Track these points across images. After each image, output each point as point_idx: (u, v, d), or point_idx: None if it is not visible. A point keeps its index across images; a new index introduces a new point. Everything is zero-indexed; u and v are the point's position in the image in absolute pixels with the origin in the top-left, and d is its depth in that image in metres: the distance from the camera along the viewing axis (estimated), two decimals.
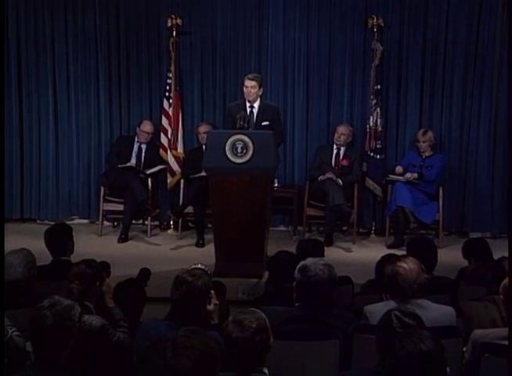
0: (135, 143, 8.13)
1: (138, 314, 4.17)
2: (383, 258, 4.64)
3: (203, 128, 7.89)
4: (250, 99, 6.73)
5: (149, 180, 8.00)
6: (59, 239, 5.08)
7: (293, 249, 5.09)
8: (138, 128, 8.11)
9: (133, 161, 8.04)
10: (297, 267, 3.82)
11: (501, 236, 7.90)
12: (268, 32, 8.22)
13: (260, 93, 6.79)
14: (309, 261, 3.82)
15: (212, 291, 3.48)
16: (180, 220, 7.84)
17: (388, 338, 2.93)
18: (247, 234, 6.28)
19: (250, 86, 6.71)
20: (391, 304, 3.59)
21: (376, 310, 3.56)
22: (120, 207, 7.89)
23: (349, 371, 3.42)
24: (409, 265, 3.68)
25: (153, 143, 8.17)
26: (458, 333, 3.60)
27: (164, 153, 8.14)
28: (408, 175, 7.71)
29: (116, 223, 8.42)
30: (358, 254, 7.40)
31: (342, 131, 7.97)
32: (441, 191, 7.80)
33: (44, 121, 8.48)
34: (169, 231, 8.22)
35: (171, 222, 8.19)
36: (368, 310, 3.70)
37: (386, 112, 8.13)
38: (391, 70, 8.12)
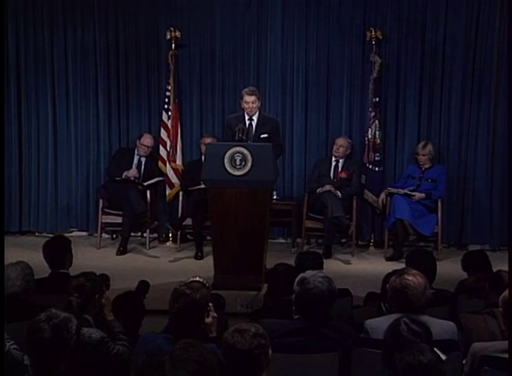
0: (135, 156, 8.13)
1: (136, 327, 4.16)
2: (394, 272, 4.56)
3: (208, 140, 7.77)
4: (251, 113, 6.75)
5: (148, 192, 8.00)
6: (58, 252, 5.07)
7: (292, 261, 5.08)
8: (138, 141, 8.11)
9: (133, 168, 8.03)
10: (296, 280, 3.81)
11: (500, 249, 7.90)
12: (267, 45, 8.25)
13: (259, 105, 6.81)
14: (308, 273, 3.81)
15: (210, 304, 3.47)
16: (179, 232, 7.84)
17: (394, 343, 2.93)
18: (246, 246, 6.27)
19: (251, 101, 6.71)
20: (394, 318, 3.56)
21: (378, 326, 3.55)
22: (119, 220, 7.88)
23: None
24: (417, 279, 3.67)
25: (153, 156, 8.18)
26: (458, 346, 3.59)
27: (163, 166, 8.14)
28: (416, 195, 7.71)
29: (114, 236, 8.41)
30: (357, 267, 7.40)
31: (341, 143, 7.98)
32: (439, 203, 7.80)
33: (43, 134, 8.50)
34: (168, 243, 8.21)
35: (170, 235, 8.18)
36: (369, 325, 3.68)
37: (384, 124, 8.15)
38: (389, 82, 8.15)
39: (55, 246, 5.14)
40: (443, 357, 3.17)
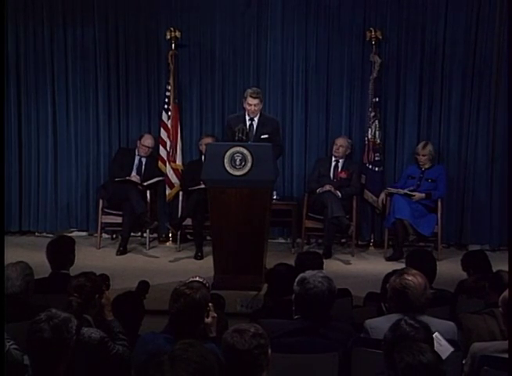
0: (136, 157, 8.13)
1: (136, 327, 4.16)
2: (394, 272, 4.57)
3: (208, 140, 7.77)
4: (253, 115, 6.74)
5: (148, 192, 8.00)
6: (62, 252, 5.08)
7: (292, 261, 5.08)
8: (138, 142, 8.11)
9: (134, 174, 8.02)
10: (296, 280, 3.81)
11: (500, 249, 7.90)
12: (267, 45, 8.25)
13: (261, 107, 6.80)
14: (308, 273, 3.81)
15: (210, 304, 3.47)
16: (179, 232, 7.84)
17: (394, 338, 2.94)
18: (246, 246, 6.27)
19: (254, 104, 6.70)
20: (394, 318, 3.56)
21: (378, 326, 3.55)
22: (119, 220, 7.89)
23: None
24: (417, 279, 3.67)
25: (153, 157, 8.17)
26: (458, 346, 3.58)
27: (163, 166, 8.14)
28: (416, 195, 7.69)
29: (114, 236, 8.41)
30: (357, 267, 7.40)
31: (340, 143, 7.98)
32: (439, 203, 7.79)
33: (43, 134, 8.50)
34: (168, 243, 8.21)
35: (170, 235, 8.18)
36: (369, 325, 3.68)
37: (384, 124, 8.15)
38: (389, 82, 8.15)
39: (59, 246, 5.14)
40: (450, 350, 3.18)
